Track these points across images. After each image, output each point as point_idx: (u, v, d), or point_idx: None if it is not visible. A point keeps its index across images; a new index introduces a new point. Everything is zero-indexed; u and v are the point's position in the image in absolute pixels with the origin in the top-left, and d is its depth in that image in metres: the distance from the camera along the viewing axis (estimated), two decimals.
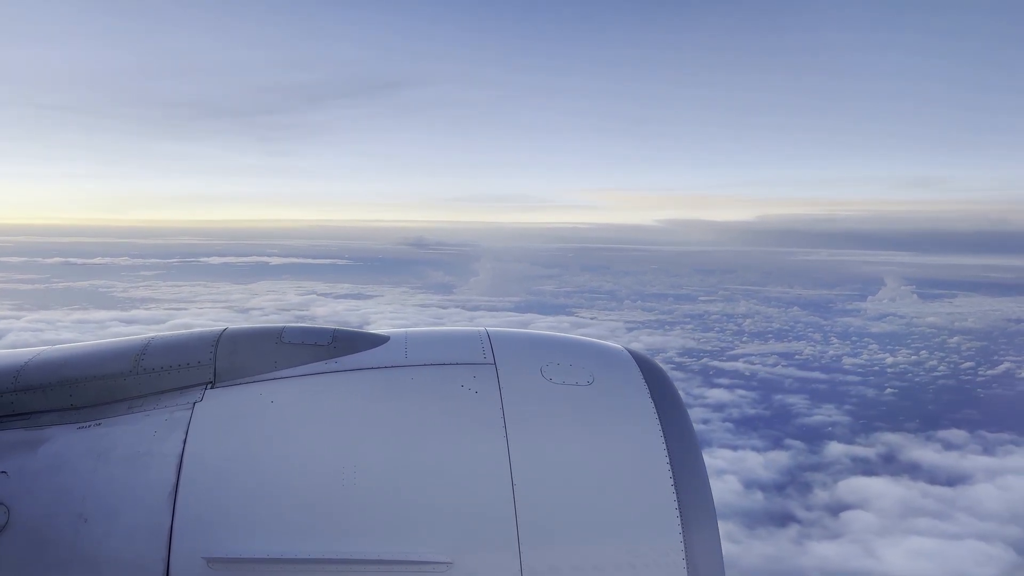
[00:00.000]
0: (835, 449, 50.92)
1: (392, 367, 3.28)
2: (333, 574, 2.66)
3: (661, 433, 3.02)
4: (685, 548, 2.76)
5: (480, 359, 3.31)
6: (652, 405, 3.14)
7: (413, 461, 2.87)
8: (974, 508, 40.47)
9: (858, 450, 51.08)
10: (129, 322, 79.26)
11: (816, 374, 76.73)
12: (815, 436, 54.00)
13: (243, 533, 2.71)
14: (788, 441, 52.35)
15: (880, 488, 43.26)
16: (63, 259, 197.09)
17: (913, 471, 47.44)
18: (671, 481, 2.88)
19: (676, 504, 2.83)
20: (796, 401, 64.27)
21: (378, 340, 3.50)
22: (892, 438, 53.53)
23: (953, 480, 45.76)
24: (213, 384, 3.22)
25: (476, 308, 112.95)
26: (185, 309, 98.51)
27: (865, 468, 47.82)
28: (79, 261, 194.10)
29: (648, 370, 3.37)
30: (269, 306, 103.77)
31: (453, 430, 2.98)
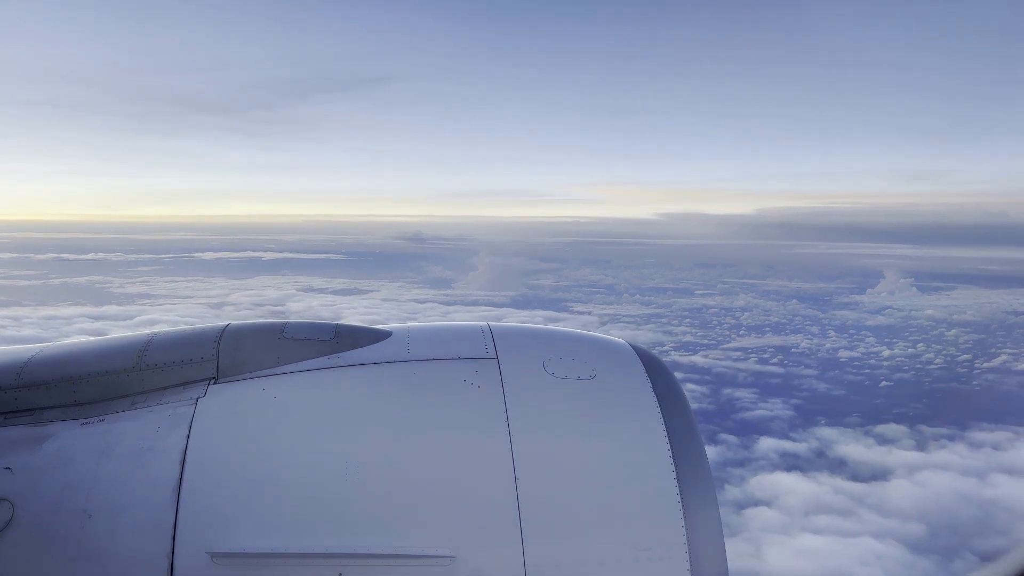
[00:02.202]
0: (765, 444, 50.03)
1: (394, 362, 3.30)
2: (336, 568, 2.67)
3: (663, 427, 3.03)
4: (688, 542, 2.77)
5: (482, 353, 3.33)
6: (654, 399, 3.15)
7: (416, 456, 2.90)
8: (882, 505, 39.56)
9: (789, 445, 50.15)
10: (97, 318, 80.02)
11: (773, 368, 75.85)
12: (752, 431, 53.16)
13: (247, 528, 2.72)
14: (722, 436, 51.54)
15: (792, 484, 42.34)
16: (56, 255, 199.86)
17: (837, 467, 46.60)
18: (674, 475, 2.89)
19: (679, 498, 2.84)
20: (744, 395, 63.41)
21: (380, 335, 3.51)
22: (828, 433, 52.57)
23: (876, 476, 44.96)
24: (216, 380, 3.25)
25: (454, 303, 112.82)
26: (159, 305, 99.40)
27: (790, 464, 46.90)
28: (71, 257, 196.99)
29: (650, 364, 3.38)
30: (245, 302, 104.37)
31: (456, 425, 3.01)
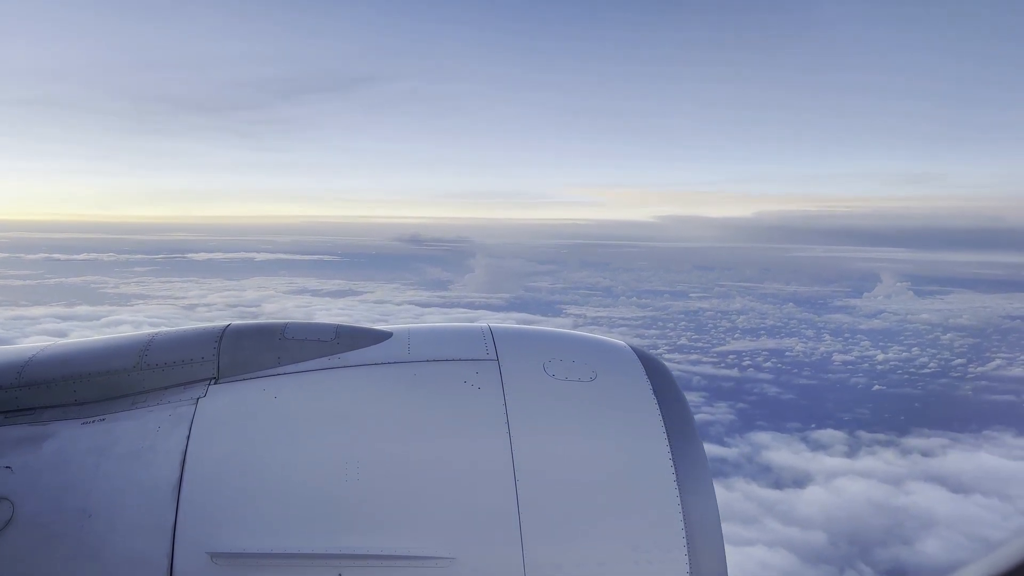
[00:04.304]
0: None
1: (395, 363, 3.31)
2: (336, 569, 2.67)
3: (663, 429, 3.03)
4: (687, 544, 2.77)
5: (483, 355, 3.33)
6: (655, 401, 3.15)
7: (416, 457, 2.90)
8: (789, 512, 38.55)
9: (718, 450, 49.15)
10: (66, 319, 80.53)
11: (728, 371, 74.81)
12: None
13: (246, 528, 2.73)
14: None
15: None
16: (47, 255, 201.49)
17: (760, 473, 45.63)
18: (673, 477, 2.89)
19: (679, 499, 2.84)
20: (691, 399, 61.62)
21: (381, 336, 3.52)
22: (762, 438, 51.64)
23: (795, 482, 44.07)
24: (216, 380, 3.26)
25: (431, 306, 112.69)
26: (130, 305, 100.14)
27: (714, 469, 45.57)
28: (63, 257, 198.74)
29: (651, 366, 3.37)
30: (219, 303, 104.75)
31: (456, 426, 3.01)
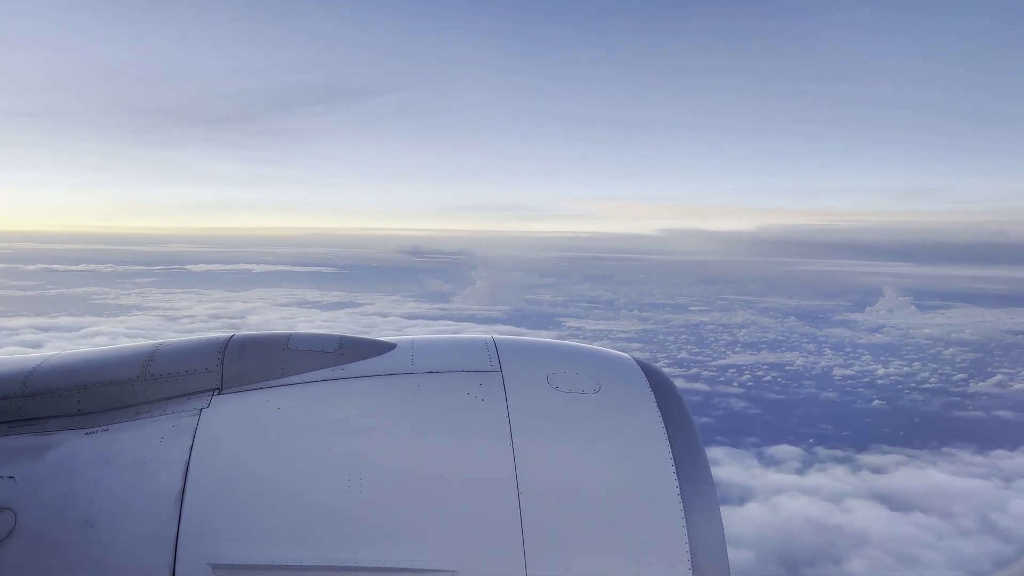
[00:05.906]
0: None
1: (398, 374, 3.32)
2: None
3: (667, 441, 3.03)
4: (691, 557, 2.76)
5: (486, 367, 3.34)
6: (658, 413, 3.16)
7: (419, 469, 2.90)
8: None
9: None
10: (45, 329, 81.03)
11: (700, 385, 73.79)
12: None
13: (249, 539, 2.73)
14: None
15: None
16: (46, 266, 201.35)
17: None
18: (677, 489, 2.88)
19: (682, 512, 2.83)
20: None
21: (384, 347, 3.53)
22: (716, 453, 50.61)
23: (739, 499, 42.98)
24: (220, 390, 3.26)
25: (416, 318, 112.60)
26: (113, 317, 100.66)
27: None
28: (61, 268, 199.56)
29: (654, 379, 3.39)
30: (204, 314, 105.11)
31: (459, 438, 3.02)
